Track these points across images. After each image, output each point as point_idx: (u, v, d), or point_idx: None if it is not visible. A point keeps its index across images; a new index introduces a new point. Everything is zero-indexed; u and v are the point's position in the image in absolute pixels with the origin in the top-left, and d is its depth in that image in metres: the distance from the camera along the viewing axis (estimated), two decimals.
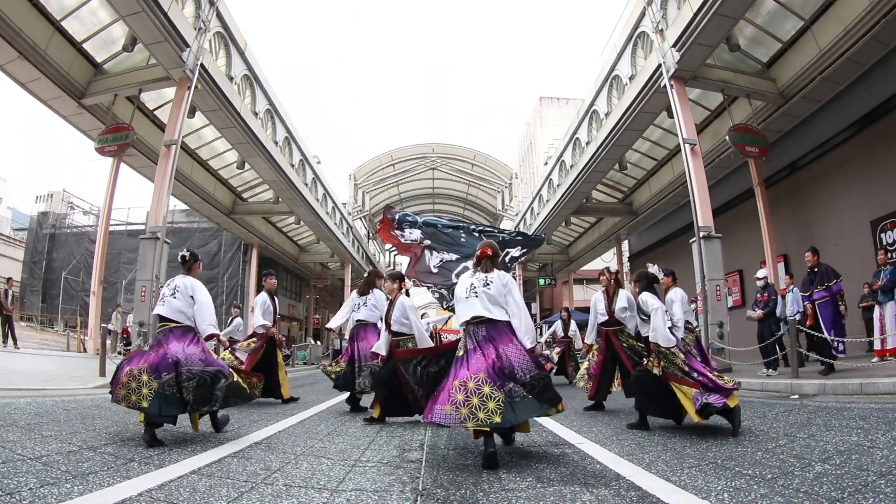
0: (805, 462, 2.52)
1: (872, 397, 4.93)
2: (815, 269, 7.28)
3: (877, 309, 7.16)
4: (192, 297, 3.68)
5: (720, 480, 2.28)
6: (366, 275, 5.96)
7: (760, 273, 8.72)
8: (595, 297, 5.61)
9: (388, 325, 4.66)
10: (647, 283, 4.22)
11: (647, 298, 4.03)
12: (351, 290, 26.58)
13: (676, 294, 4.65)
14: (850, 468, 2.33)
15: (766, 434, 3.43)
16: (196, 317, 3.63)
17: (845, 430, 3.31)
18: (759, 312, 8.37)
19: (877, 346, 7.21)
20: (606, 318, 5.33)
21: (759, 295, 8.59)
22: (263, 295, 6.63)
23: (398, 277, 4.73)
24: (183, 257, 4.12)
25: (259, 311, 6.44)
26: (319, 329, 30.31)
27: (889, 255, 9.09)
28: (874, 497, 1.91)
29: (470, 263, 4.25)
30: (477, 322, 3.12)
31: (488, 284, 3.21)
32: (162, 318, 3.63)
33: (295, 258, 26.02)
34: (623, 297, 5.29)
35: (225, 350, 5.95)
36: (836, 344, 6.82)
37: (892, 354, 6.97)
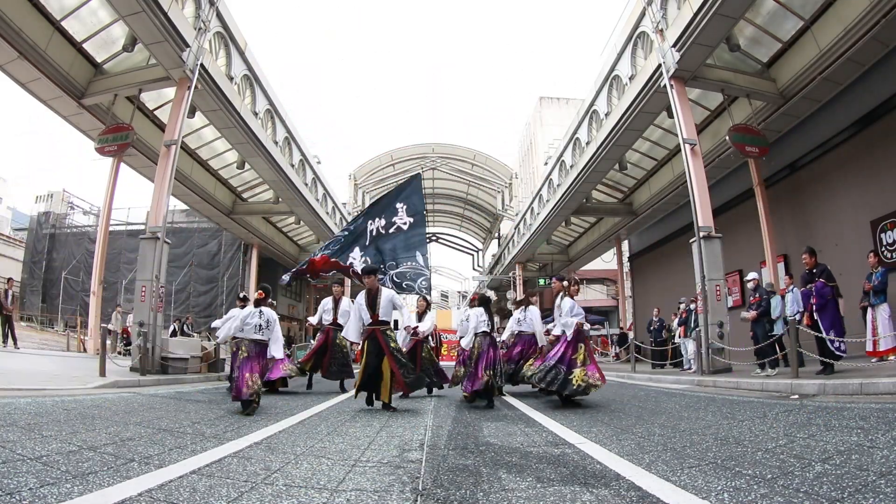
0: (805, 462, 2.52)
1: (872, 397, 4.93)
2: (813, 271, 7.25)
3: (869, 311, 7.17)
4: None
5: (720, 480, 2.28)
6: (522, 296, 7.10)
7: (750, 276, 8.86)
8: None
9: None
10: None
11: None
12: (351, 291, 26.55)
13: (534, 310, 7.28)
14: (850, 468, 2.33)
15: (766, 434, 3.43)
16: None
17: (845, 430, 3.31)
18: (752, 313, 8.45)
19: (868, 347, 7.22)
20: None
21: (751, 297, 8.68)
22: (362, 296, 5.80)
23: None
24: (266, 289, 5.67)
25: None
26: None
27: (884, 256, 9.11)
28: (874, 497, 1.90)
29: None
30: (484, 333, 6.13)
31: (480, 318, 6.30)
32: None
33: (295, 258, 25.99)
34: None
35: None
36: (836, 344, 6.81)
37: (888, 355, 6.97)
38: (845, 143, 10.57)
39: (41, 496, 1.97)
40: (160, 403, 5.62)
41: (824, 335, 6.78)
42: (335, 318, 8.22)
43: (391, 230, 7.72)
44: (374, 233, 7.75)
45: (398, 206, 7.79)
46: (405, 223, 7.74)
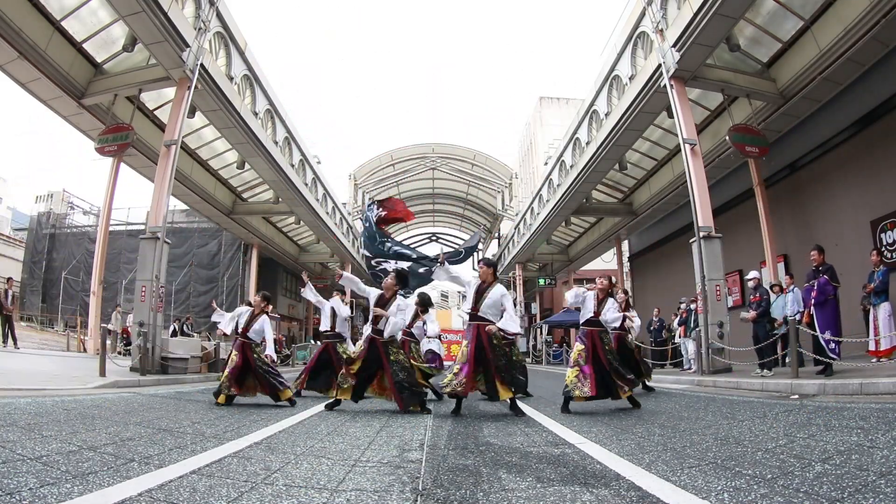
0: (805, 462, 2.52)
1: (872, 397, 4.93)
2: (820, 269, 7.27)
3: (871, 310, 7.18)
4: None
5: (720, 480, 2.28)
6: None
7: (751, 274, 8.81)
8: (586, 293, 5.65)
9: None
10: (422, 303, 7.56)
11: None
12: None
13: None
14: (850, 468, 2.33)
15: (766, 434, 3.43)
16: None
17: (845, 430, 3.31)
18: (752, 313, 8.42)
19: (871, 346, 7.23)
20: (591, 316, 5.45)
21: (751, 296, 8.65)
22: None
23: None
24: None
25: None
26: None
27: (885, 256, 9.10)
28: (874, 497, 1.90)
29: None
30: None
31: None
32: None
33: (295, 258, 26.01)
34: (612, 306, 5.48)
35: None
36: (831, 345, 6.81)
37: (885, 355, 6.97)
38: (845, 143, 10.56)
39: (41, 496, 1.97)
40: (160, 403, 5.62)
41: (819, 334, 6.79)
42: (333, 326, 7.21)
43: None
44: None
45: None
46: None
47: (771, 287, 9.16)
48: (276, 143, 16.05)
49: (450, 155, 29.12)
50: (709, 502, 1.97)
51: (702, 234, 9.89)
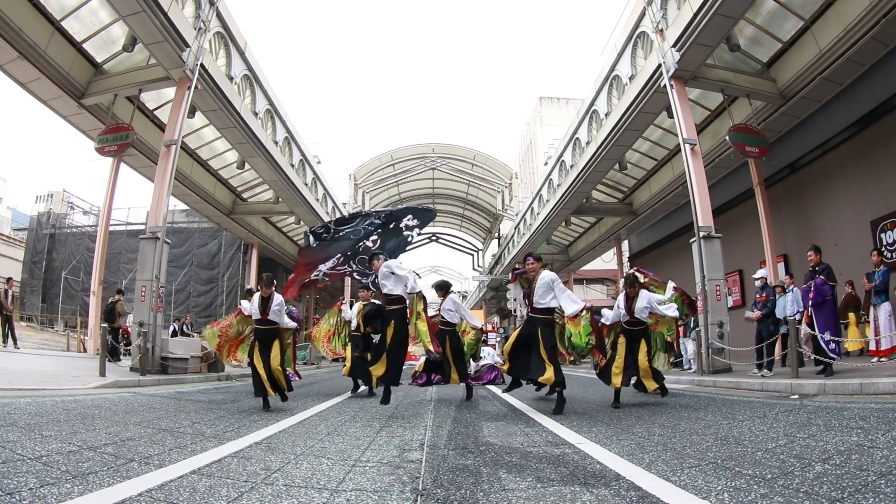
0: (805, 462, 2.52)
1: (872, 397, 4.93)
2: (817, 269, 7.27)
3: (871, 310, 7.16)
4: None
5: (720, 480, 2.28)
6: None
7: (759, 273, 8.73)
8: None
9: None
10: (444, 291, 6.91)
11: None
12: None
13: None
14: (850, 468, 2.33)
15: (766, 434, 3.43)
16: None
17: (845, 430, 3.30)
18: (757, 313, 8.39)
19: (872, 346, 7.23)
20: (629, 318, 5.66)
21: (757, 295, 8.60)
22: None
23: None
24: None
25: None
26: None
27: (885, 256, 9.10)
28: (874, 497, 1.90)
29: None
30: None
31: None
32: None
33: (295, 258, 26.00)
34: (644, 298, 5.64)
35: None
36: (830, 345, 6.81)
37: (885, 355, 6.97)
38: (845, 143, 10.57)
39: (41, 496, 1.97)
40: (160, 403, 5.62)
41: (818, 334, 6.79)
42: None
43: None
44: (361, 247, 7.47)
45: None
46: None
47: (774, 287, 9.15)
48: (276, 143, 16.05)
49: (450, 155, 29.11)
50: (709, 502, 1.97)
51: (702, 233, 9.89)
